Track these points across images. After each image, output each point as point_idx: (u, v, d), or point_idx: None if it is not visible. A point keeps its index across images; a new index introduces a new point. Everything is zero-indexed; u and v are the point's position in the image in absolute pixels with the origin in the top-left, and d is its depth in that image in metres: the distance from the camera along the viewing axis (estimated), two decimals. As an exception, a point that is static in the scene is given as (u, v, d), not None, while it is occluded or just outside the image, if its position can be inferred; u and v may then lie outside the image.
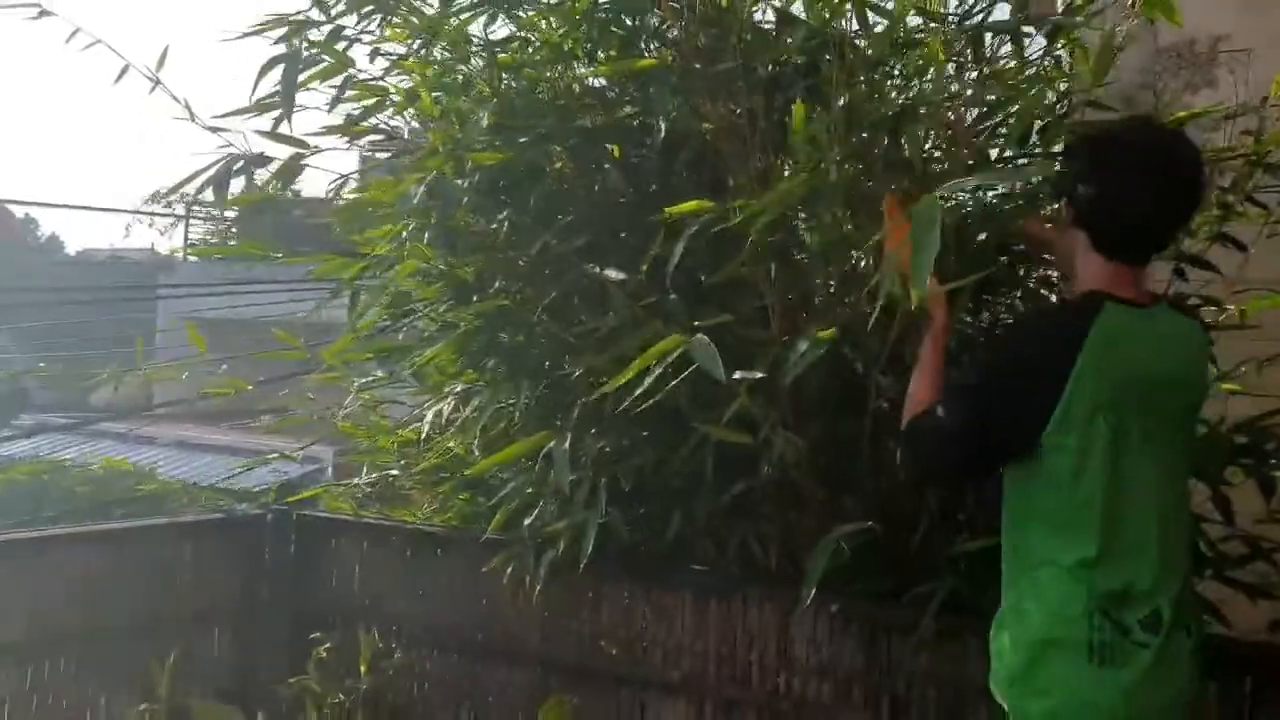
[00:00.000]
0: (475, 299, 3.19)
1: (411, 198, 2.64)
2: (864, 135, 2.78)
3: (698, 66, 2.69)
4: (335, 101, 3.41)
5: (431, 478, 3.80)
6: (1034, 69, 3.07)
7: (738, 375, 2.26)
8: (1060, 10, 3.30)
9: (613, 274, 2.72)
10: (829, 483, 2.86)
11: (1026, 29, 2.91)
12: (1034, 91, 2.90)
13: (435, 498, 3.95)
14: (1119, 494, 2.01)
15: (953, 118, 2.84)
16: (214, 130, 3.58)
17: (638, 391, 2.25)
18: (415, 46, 3.38)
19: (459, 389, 3.48)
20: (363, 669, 3.70)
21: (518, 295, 3.03)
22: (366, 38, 3.46)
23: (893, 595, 2.96)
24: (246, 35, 3.37)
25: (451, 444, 3.41)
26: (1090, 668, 1.96)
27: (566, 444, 2.73)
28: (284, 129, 3.19)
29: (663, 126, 2.67)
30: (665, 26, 2.78)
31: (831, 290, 2.70)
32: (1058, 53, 3.06)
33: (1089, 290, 2.07)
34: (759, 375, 2.35)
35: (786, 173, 2.94)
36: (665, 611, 3.35)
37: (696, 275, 2.84)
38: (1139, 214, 2.04)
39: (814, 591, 2.69)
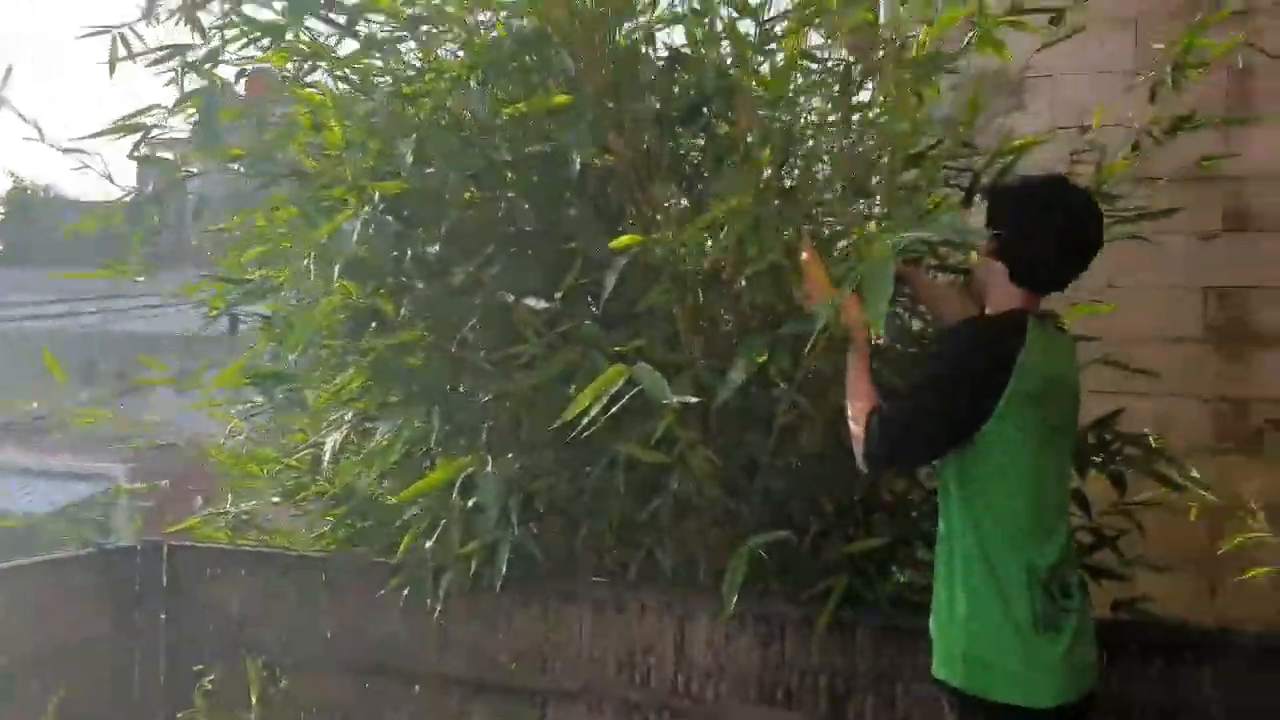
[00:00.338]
0: (374, 325, 3.23)
1: (350, 234, 2.65)
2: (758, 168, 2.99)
3: (610, 105, 2.83)
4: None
5: (318, 504, 3.79)
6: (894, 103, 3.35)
7: (672, 399, 2.40)
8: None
9: (532, 302, 2.83)
10: (732, 493, 3.06)
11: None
12: (904, 128, 3.18)
13: (317, 524, 3.93)
14: (1043, 478, 2.37)
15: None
16: (68, 151, 3.53)
17: (585, 420, 2.36)
18: (301, 71, 3.38)
19: (349, 415, 3.50)
20: (253, 699, 3.66)
21: (425, 323, 3.08)
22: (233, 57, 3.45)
23: (787, 594, 3.18)
24: (123, 59, 3.31)
25: (348, 470, 3.43)
26: (1038, 638, 2.27)
27: (489, 468, 2.83)
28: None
29: (576, 160, 2.79)
30: (575, 64, 2.89)
31: (739, 314, 2.89)
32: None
33: (1012, 309, 2.41)
34: (693, 400, 2.50)
35: (683, 204, 3.14)
36: (564, 623, 3.47)
37: (606, 301, 2.96)
38: (1053, 258, 2.43)
39: (722, 595, 2.88)
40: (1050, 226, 2.39)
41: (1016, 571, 2.29)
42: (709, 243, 2.63)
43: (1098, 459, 3.16)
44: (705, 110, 3.00)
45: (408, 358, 3.14)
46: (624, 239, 2.58)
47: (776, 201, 2.63)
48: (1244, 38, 3.28)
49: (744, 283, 2.94)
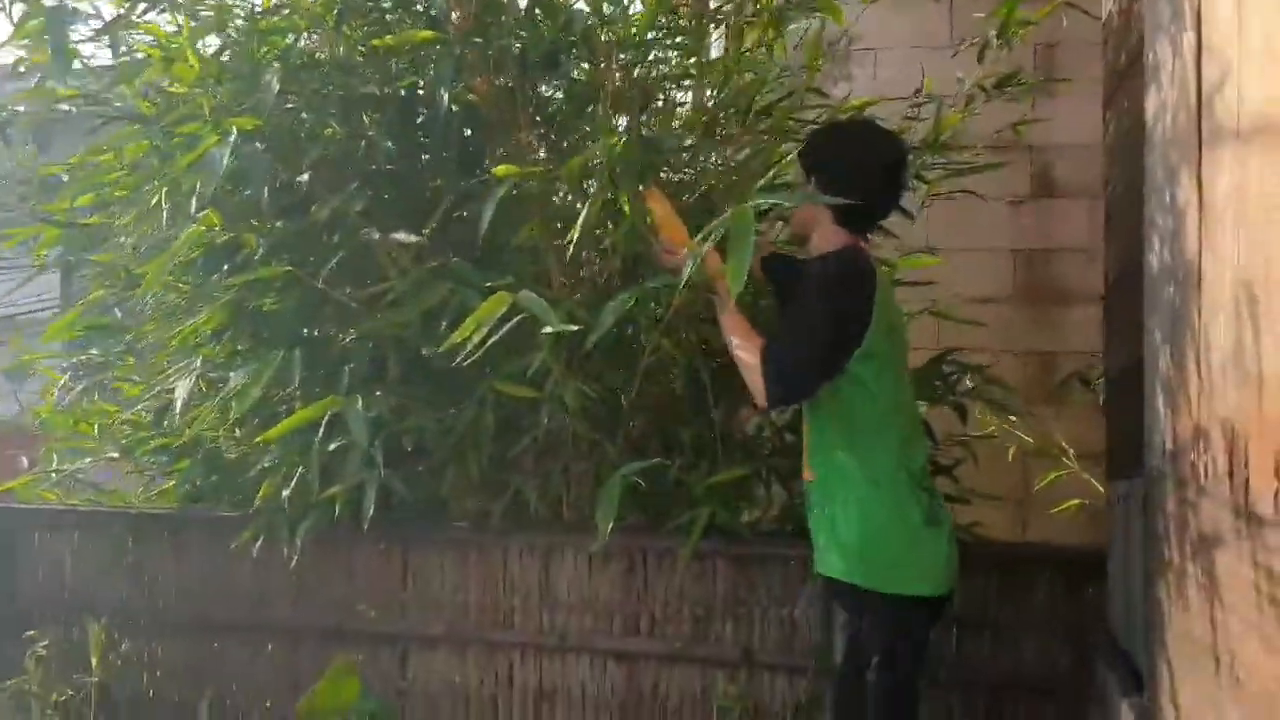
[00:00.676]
0: (226, 267, 3.15)
1: (217, 162, 2.56)
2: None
3: (478, 41, 2.84)
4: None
5: (159, 459, 3.65)
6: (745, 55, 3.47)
7: (548, 330, 2.43)
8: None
9: (402, 237, 2.81)
10: (598, 429, 3.12)
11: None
12: (751, 77, 3.32)
13: (158, 480, 3.79)
14: (904, 394, 2.56)
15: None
16: None
17: (464, 352, 2.38)
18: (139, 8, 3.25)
19: (198, 363, 3.38)
20: (93, 662, 3.50)
21: (284, 261, 3.01)
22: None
23: (650, 527, 3.27)
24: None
25: (201, 419, 3.32)
26: (927, 530, 2.43)
27: (359, 405, 2.79)
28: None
29: (445, 96, 2.80)
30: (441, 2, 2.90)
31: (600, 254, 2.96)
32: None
33: (848, 247, 2.53)
34: (574, 328, 2.52)
35: (542, 152, 3.18)
36: (424, 568, 3.46)
37: (472, 239, 2.96)
38: (872, 196, 2.56)
39: (586, 532, 2.94)
40: (864, 162, 2.55)
41: (899, 477, 2.46)
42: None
43: (938, 390, 3.38)
44: (564, 58, 3.04)
45: (266, 298, 3.06)
46: (503, 168, 2.60)
47: (635, 149, 2.69)
48: (1060, 1, 3.55)
49: (610, 227, 3.01)
